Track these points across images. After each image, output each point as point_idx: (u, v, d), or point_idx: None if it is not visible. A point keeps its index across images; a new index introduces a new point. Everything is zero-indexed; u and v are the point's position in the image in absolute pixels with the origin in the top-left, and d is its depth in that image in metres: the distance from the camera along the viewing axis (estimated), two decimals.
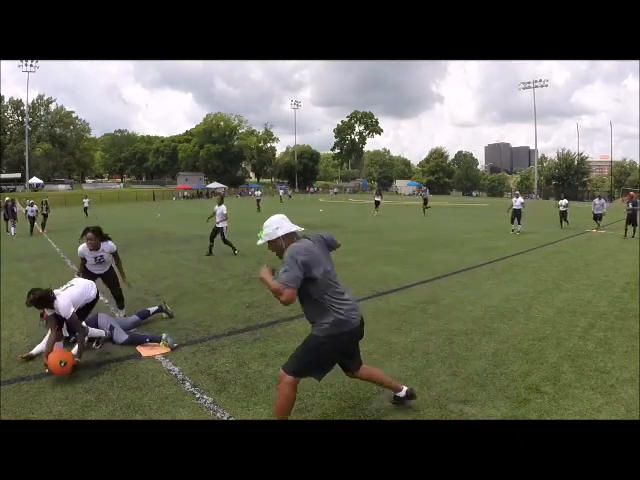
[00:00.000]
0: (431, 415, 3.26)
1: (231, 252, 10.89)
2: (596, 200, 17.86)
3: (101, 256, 5.46)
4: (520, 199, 16.24)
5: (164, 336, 4.66)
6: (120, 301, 5.79)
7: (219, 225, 10.98)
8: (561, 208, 17.87)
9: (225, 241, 11.03)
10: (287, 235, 2.93)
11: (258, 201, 30.54)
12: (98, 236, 5.34)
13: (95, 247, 5.34)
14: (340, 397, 3.56)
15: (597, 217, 17.30)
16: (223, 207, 11.02)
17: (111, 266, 5.73)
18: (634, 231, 14.60)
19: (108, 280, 5.68)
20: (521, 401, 3.45)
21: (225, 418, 3.26)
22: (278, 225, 2.94)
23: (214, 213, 11.07)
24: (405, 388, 3.36)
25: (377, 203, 25.74)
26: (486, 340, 4.82)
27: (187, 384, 3.82)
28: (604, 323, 5.36)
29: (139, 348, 4.61)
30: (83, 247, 5.38)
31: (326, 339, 2.86)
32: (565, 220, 17.73)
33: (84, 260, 5.45)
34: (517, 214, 15.85)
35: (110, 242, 5.50)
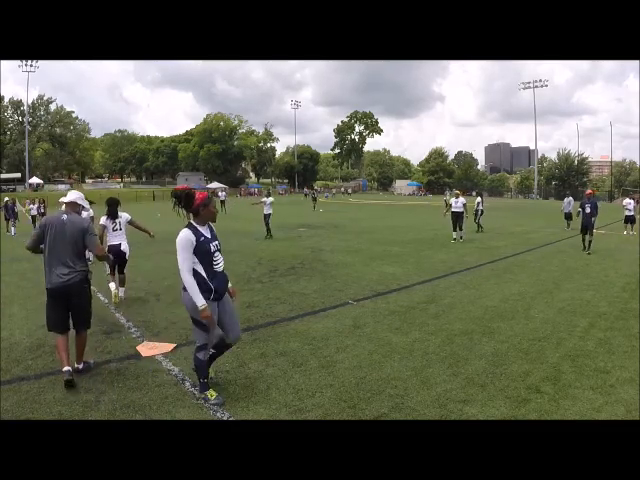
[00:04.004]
0: (431, 415, 3.26)
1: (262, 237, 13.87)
2: (565, 199, 17.63)
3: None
4: (461, 199, 13.27)
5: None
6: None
7: (267, 212, 14.14)
8: (474, 207, 15.43)
9: (267, 224, 14.10)
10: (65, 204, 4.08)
11: (222, 202, 27.83)
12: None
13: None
14: (340, 397, 3.56)
15: (567, 216, 16.84)
16: (271, 198, 14.42)
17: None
18: (590, 243, 11.09)
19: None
20: (521, 401, 3.45)
21: (225, 418, 3.26)
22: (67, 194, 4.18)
23: (263, 203, 14.28)
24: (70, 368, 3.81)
25: (447, 203, 27.24)
26: (486, 340, 4.82)
27: (187, 384, 3.82)
28: (604, 323, 5.36)
29: (139, 348, 4.61)
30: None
31: (47, 291, 3.87)
32: (476, 222, 15.26)
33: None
34: (459, 218, 13.00)
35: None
